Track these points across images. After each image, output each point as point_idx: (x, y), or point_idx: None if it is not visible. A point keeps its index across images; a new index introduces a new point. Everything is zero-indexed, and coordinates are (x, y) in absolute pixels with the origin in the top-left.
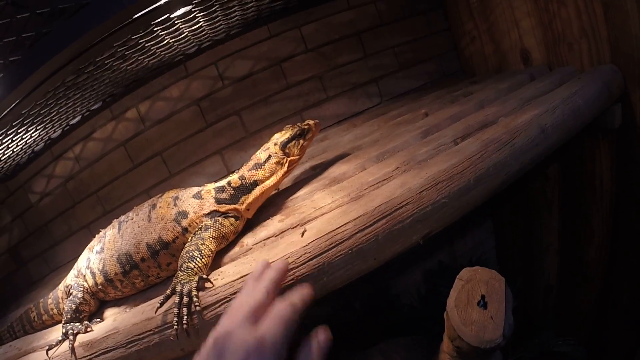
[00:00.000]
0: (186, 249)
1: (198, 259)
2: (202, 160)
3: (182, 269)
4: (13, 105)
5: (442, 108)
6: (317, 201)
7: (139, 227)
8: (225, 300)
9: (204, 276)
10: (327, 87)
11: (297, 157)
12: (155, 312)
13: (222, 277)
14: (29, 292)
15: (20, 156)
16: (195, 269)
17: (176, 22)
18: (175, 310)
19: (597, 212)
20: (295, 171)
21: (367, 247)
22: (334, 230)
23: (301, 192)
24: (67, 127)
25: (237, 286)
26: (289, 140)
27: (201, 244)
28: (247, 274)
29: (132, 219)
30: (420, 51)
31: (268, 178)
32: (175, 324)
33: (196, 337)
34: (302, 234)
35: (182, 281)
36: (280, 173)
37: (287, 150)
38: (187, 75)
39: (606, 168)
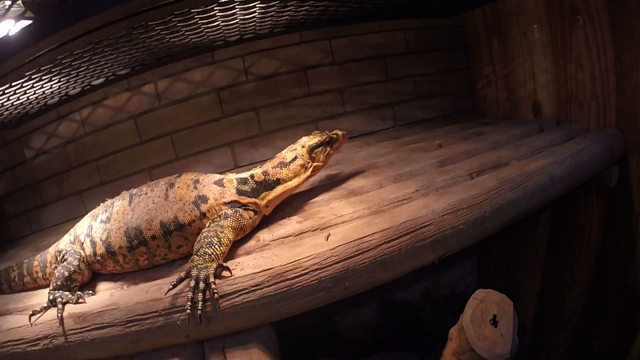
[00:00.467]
0: (204, 234)
1: (217, 246)
2: (211, 150)
3: (198, 253)
4: (52, 47)
5: (456, 142)
6: (337, 209)
7: (154, 203)
8: (245, 291)
9: (224, 264)
10: (346, 102)
11: (321, 163)
12: (166, 294)
13: (241, 267)
14: (6, 250)
15: (32, 105)
16: (213, 256)
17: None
18: (190, 295)
19: (581, 263)
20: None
21: (390, 259)
22: (361, 239)
23: (318, 198)
24: (88, 86)
25: (258, 279)
26: (317, 145)
27: (220, 232)
28: (270, 268)
29: (146, 193)
30: (438, 85)
31: (291, 179)
32: (188, 308)
33: (206, 325)
34: (327, 238)
35: (198, 266)
36: (303, 176)
37: (313, 155)
38: (212, 62)
39: (596, 222)
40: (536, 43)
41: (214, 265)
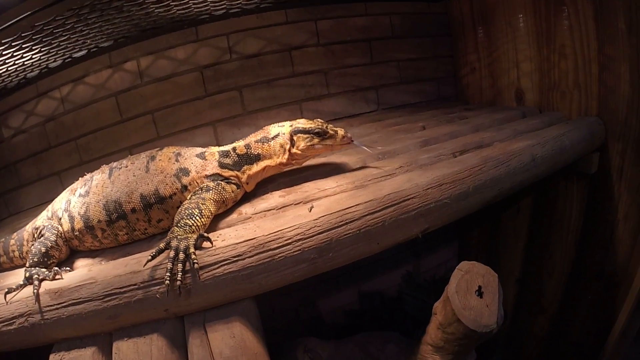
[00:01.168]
0: (185, 206)
1: (197, 217)
2: (193, 129)
3: (179, 224)
4: (32, 11)
5: (439, 125)
6: (320, 184)
7: (134, 176)
8: (226, 262)
9: (205, 234)
10: (330, 84)
11: (299, 152)
12: (144, 265)
13: (223, 238)
14: None
15: (11, 78)
16: (193, 227)
17: None
18: (169, 265)
19: (561, 248)
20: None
21: (373, 231)
22: (344, 210)
23: (301, 174)
24: (70, 59)
25: (240, 249)
26: (303, 131)
27: (202, 204)
28: (252, 239)
29: (126, 166)
30: (422, 70)
31: (270, 157)
32: (167, 279)
33: (186, 298)
34: (310, 209)
35: (178, 236)
36: (278, 159)
37: (294, 139)
38: (196, 39)
39: (576, 209)
40: (521, 32)
41: (194, 236)
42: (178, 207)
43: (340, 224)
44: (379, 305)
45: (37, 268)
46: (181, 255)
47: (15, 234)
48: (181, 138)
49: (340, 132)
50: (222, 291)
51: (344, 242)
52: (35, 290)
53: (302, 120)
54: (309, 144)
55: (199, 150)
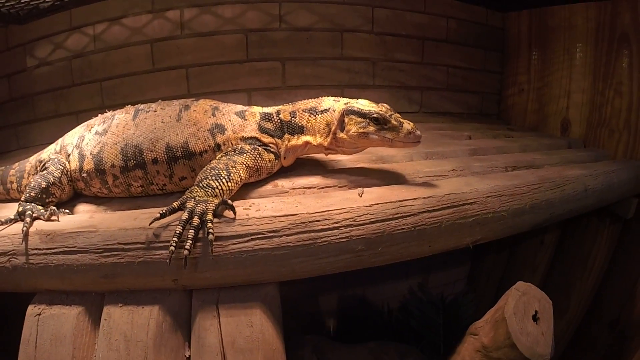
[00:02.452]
0: (212, 165)
1: (224, 180)
2: (227, 93)
3: (201, 184)
4: None
5: (485, 138)
6: (366, 171)
7: (162, 122)
8: (259, 236)
9: (229, 202)
10: (376, 75)
11: (346, 138)
12: (149, 224)
13: (258, 208)
14: None
15: None
16: (217, 190)
17: None
18: (178, 229)
19: (578, 290)
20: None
21: (429, 231)
22: (401, 201)
23: (344, 158)
24: None
25: (278, 224)
26: (359, 113)
27: (232, 166)
28: (293, 214)
29: (155, 111)
30: (469, 81)
31: (313, 133)
32: (173, 245)
33: (191, 271)
34: (360, 194)
35: (197, 197)
36: (322, 138)
37: (344, 120)
38: (247, 0)
39: (602, 252)
40: (578, 62)
41: (216, 201)
42: None
43: (396, 216)
44: (383, 313)
45: (32, 204)
46: (195, 220)
47: (17, 164)
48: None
49: (407, 125)
50: (246, 270)
51: (396, 238)
52: (24, 228)
53: (364, 101)
54: (361, 130)
55: (239, 107)
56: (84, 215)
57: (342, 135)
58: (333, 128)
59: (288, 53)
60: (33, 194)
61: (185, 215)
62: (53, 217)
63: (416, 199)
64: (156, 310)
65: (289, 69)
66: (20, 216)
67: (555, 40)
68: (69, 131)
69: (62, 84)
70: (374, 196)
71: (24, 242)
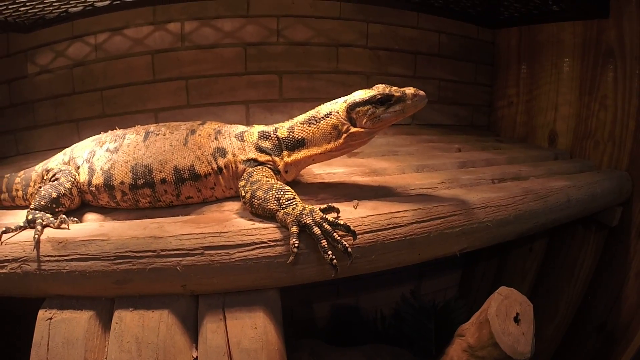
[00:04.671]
0: (261, 194)
1: (278, 194)
2: (225, 104)
3: (282, 205)
4: None
5: (474, 150)
6: (360, 185)
7: (171, 145)
8: (263, 245)
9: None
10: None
11: (363, 131)
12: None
13: (261, 220)
14: None
15: (52, 7)
16: (293, 204)
17: None
18: (323, 242)
19: (567, 295)
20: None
21: (418, 240)
22: (393, 213)
23: (338, 171)
24: (119, 1)
25: (280, 233)
26: (362, 102)
27: (264, 185)
28: None
29: (164, 134)
30: (459, 94)
31: (317, 143)
32: (330, 257)
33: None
34: (355, 206)
35: (303, 212)
36: (331, 143)
37: (353, 115)
38: (246, 15)
39: (589, 258)
40: (565, 75)
41: (307, 208)
42: (212, 188)
43: (388, 227)
44: (376, 320)
45: (42, 212)
46: (327, 226)
47: (22, 172)
48: (211, 111)
49: (409, 90)
50: (252, 276)
51: (388, 247)
52: (36, 236)
53: (359, 92)
54: (373, 116)
55: (240, 129)
56: (94, 224)
57: (356, 129)
58: (344, 129)
59: (285, 66)
60: (43, 203)
61: (317, 230)
62: (63, 225)
63: (407, 210)
64: (166, 314)
65: (286, 82)
66: (30, 224)
67: (543, 54)
68: (68, 138)
69: (63, 91)
70: (368, 208)
71: (35, 250)
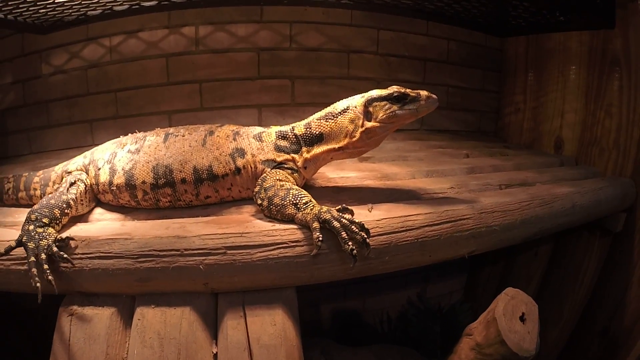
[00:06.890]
0: (279, 199)
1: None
2: (238, 108)
3: (301, 209)
4: None
5: (482, 156)
6: (374, 189)
7: (190, 146)
8: (283, 245)
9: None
10: None
11: (378, 125)
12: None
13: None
14: (1, 165)
15: (72, 10)
16: (309, 203)
17: None
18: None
19: (571, 300)
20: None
21: (429, 243)
22: (406, 216)
23: (351, 175)
24: (137, 6)
25: (299, 235)
26: (379, 98)
27: (274, 196)
28: None
29: (183, 135)
30: (467, 100)
31: (335, 138)
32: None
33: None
34: (370, 210)
35: (320, 212)
36: (346, 139)
37: (369, 110)
38: (260, 20)
39: (593, 263)
40: (571, 83)
41: (324, 207)
42: (229, 189)
43: (402, 229)
44: (382, 322)
45: (43, 229)
46: (355, 228)
47: (41, 172)
48: (224, 114)
49: (423, 92)
50: (272, 275)
51: (401, 248)
52: (46, 276)
53: (374, 90)
54: (389, 112)
55: (258, 130)
56: (115, 223)
57: (372, 124)
58: (360, 122)
59: (297, 72)
60: (45, 212)
61: (343, 233)
62: (61, 253)
63: (419, 214)
64: (187, 310)
65: (298, 87)
66: (21, 244)
67: (550, 62)
68: (81, 138)
69: (77, 92)
70: (382, 211)
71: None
